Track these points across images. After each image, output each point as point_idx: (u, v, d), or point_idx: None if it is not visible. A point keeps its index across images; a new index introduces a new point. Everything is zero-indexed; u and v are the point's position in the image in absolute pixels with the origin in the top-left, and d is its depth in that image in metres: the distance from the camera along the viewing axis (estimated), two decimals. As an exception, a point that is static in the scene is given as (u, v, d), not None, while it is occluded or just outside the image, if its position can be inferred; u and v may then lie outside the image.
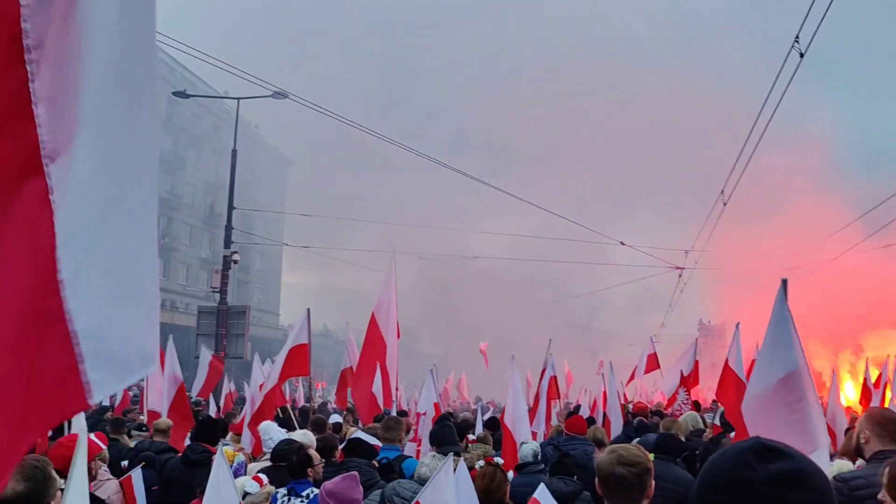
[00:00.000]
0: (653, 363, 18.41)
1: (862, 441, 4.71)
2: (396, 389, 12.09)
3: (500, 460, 5.49)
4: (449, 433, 8.04)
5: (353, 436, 8.20)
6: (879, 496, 3.65)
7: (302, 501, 5.50)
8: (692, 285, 32.16)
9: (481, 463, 5.21)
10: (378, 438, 7.77)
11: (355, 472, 5.04)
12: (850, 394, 26.73)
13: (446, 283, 63.37)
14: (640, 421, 13.08)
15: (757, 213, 37.72)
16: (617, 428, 12.85)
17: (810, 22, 10.31)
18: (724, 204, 19.35)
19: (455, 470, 4.79)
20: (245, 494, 5.11)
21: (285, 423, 9.50)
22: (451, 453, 7.01)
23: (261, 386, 10.65)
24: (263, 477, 5.40)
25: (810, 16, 10.07)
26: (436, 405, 10.25)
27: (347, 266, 49.65)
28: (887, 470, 3.64)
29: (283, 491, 5.61)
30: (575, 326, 76.87)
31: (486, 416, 13.20)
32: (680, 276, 29.73)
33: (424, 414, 10.24)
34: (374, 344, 11.08)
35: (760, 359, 4.97)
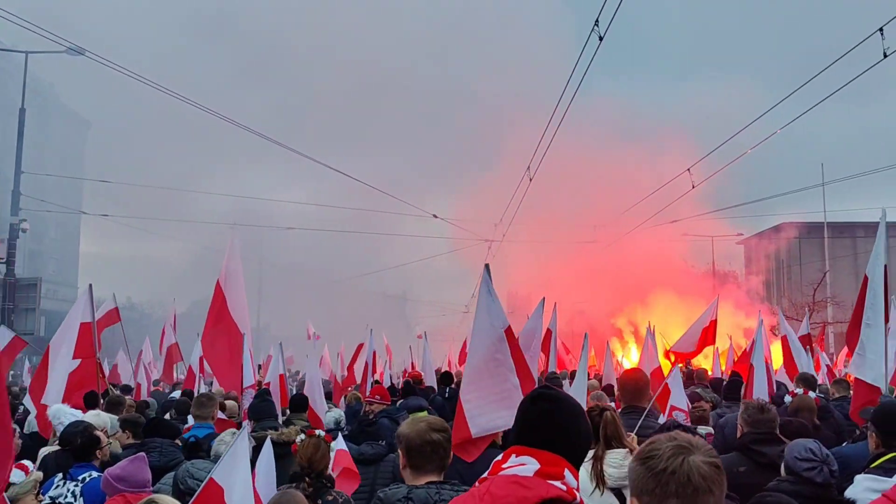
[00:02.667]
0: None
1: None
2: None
3: (321, 432, 5.49)
4: (267, 407, 7.99)
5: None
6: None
7: (76, 485, 5.22)
8: (501, 257, 33.56)
9: (302, 436, 5.20)
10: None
11: (143, 454, 4.87)
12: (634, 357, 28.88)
13: (262, 254, 62.05)
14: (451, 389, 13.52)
15: (561, 187, 39.73)
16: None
17: (611, 6, 10.98)
18: (531, 179, 20.28)
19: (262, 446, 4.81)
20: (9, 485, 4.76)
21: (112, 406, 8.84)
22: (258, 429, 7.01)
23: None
24: (28, 463, 5.08)
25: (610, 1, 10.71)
26: (281, 377, 10.27)
27: (151, 236, 47.28)
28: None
29: (59, 476, 5.31)
30: (390, 297, 77.87)
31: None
32: (489, 247, 30.89)
33: (269, 385, 10.14)
34: (222, 319, 10.46)
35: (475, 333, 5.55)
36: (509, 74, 50.35)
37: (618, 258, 37.65)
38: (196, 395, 9.97)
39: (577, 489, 2.51)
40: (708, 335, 15.22)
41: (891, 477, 3.73)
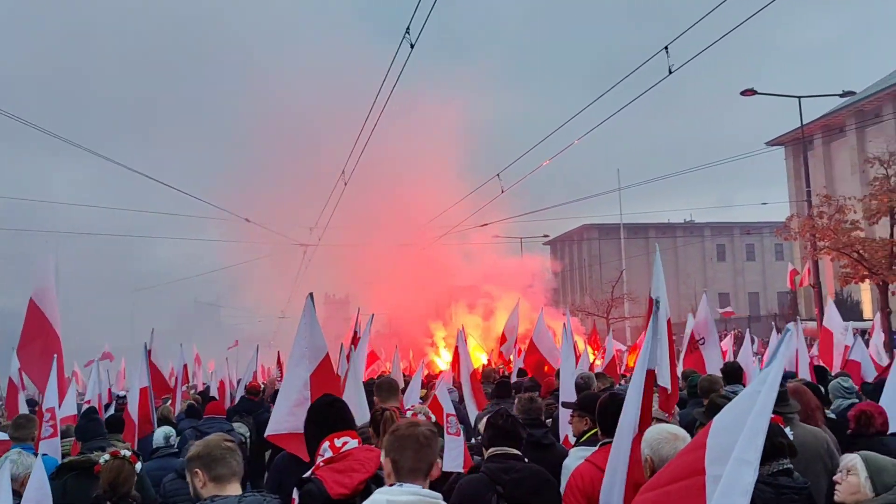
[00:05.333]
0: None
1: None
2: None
3: (127, 452, 5.22)
4: (94, 427, 7.54)
5: None
6: None
7: None
8: (317, 260, 33.28)
9: (106, 457, 4.92)
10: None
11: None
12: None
13: (57, 262, 57.62)
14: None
15: (376, 191, 40.01)
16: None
17: (421, 16, 11.25)
18: (346, 183, 20.31)
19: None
20: None
21: None
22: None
23: None
24: None
25: (422, 10, 10.95)
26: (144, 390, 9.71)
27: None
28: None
29: None
30: (202, 304, 74.94)
31: None
32: (305, 252, 30.56)
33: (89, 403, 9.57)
34: (42, 331, 9.75)
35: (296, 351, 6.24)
36: (323, 78, 50.05)
37: (432, 261, 38.45)
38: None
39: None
40: (517, 336, 15.99)
41: (594, 447, 4.87)
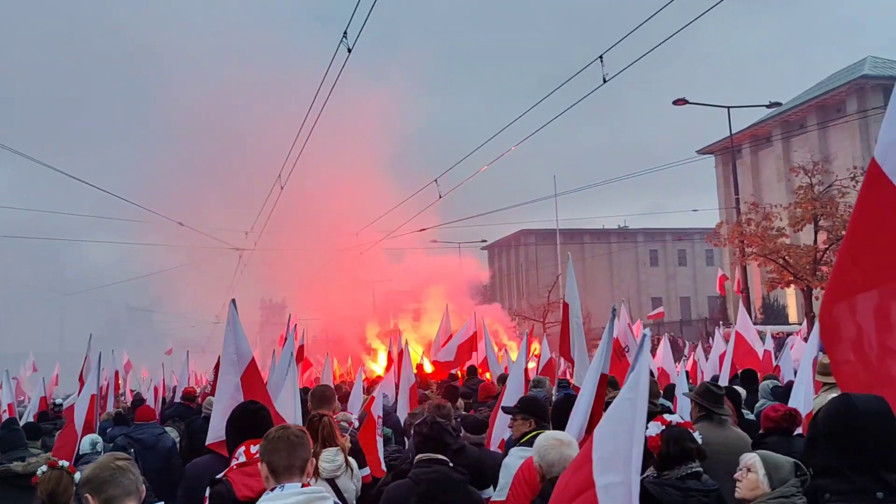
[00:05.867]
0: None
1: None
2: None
3: (64, 463, 5.03)
4: (15, 437, 7.36)
5: None
6: None
7: None
8: (253, 265, 32.84)
9: (43, 468, 4.74)
10: None
11: None
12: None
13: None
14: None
15: (313, 196, 39.69)
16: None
17: (359, 21, 11.18)
18: (282, 187, 20.10)
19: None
20: None
21: None
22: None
23: None
24: None
25: (359, 14, 10.91)
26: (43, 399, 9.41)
27: None
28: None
29: None
30: (135, 310, 73.08)
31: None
32: (240, 256, 30.13)
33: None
34: None
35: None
36: (260, 82, 49.40)
37: (369, 266, 38.30)
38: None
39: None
40: (470, 347, 16.04)
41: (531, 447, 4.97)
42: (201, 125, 49.24)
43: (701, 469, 4.35)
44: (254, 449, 4.02)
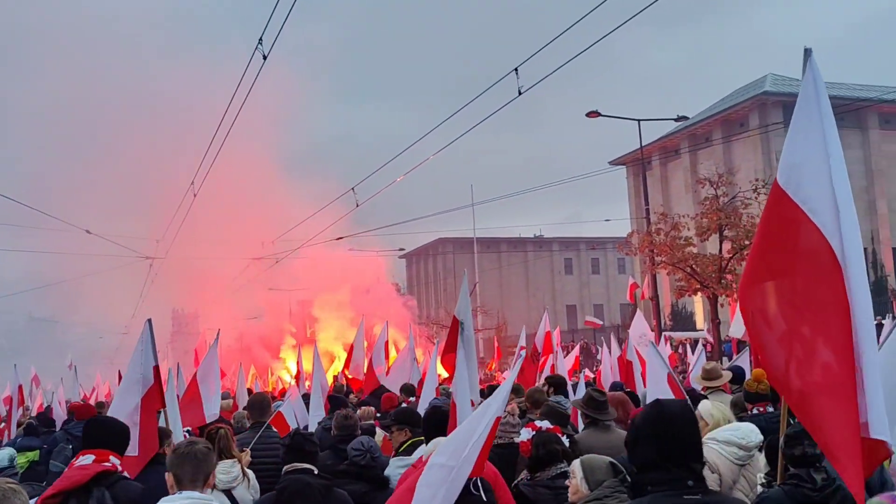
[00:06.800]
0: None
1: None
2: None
3: None
4: None
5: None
6: None
7: None
8: (164, 274, 31.91)
9: None
10: None
11: None
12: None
13: None
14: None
15: (227, 203, 38.92)
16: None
17: (275, 28, 11.04)
18: (195, 195, 19.64)
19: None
20: None
21: None
22: None
23: None
24: None
25: (276, 20, 10.78)
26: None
27: None
28: None
29: None
30: (37, 320, 69.94)
31: None
32: (151, 265, 29.28)
33: None
34: None
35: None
36: (171, 88, 48.13)
37: (285, 275, 37.78)
38: None
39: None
40: (380, 356, 15.94)
41: (411, 456, 5.29)
42: (111, 128, 47.74)
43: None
44: (80, 459, 4.47)
